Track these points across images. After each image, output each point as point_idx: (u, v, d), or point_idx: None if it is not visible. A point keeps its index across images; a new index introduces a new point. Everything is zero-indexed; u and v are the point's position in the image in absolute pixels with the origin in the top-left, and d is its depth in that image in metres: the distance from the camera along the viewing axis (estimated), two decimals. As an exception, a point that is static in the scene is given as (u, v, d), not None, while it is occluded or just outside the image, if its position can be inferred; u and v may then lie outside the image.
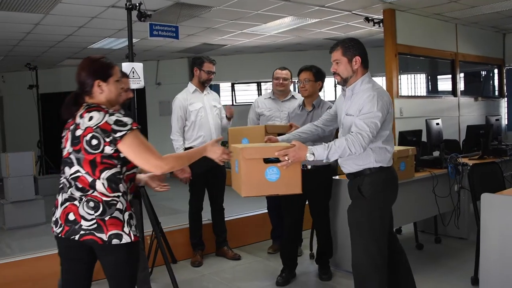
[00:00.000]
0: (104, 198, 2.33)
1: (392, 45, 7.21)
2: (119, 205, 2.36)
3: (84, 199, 2.33)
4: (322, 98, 4.33)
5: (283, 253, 4.36)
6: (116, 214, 2.34)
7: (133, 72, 4.21)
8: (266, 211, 5.21)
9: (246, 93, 12.68)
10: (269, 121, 4.90)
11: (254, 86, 12.59)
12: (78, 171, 2.35)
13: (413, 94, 8.51)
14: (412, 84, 8.79)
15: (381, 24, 7.55)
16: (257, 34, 8.96)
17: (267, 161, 2.88)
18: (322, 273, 4.32)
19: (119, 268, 2.41)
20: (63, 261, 2.52)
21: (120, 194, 2.37)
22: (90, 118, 2.33)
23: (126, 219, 2.37)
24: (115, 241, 2.32)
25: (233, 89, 12.47)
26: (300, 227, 4.40)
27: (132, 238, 2.36)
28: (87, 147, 2.32)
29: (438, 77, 9.42)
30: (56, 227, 2.39)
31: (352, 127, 2.96)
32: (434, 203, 4.73)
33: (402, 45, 7.31)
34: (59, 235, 2.37)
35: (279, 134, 3.68)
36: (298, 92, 4.93)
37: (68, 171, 2.39)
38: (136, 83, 4.24)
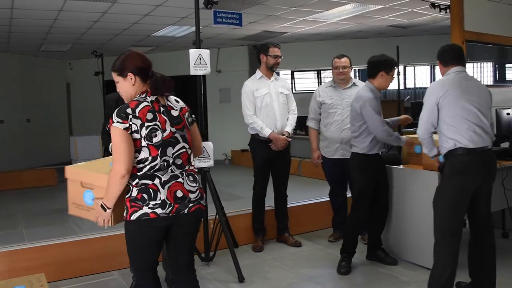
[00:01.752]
0: (196, 170, 2.74)
1: (459, 32, 6.94)
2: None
3: (184, 174, 2.58)
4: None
5: (348, 241, 4.31)
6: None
7: (200, 58, 4.27)
8: (327, 199, 5.19)
9: (306, 81, 12.63)
10: (330, 109, 4.87)
11: (313, 74, 12.52)
12: (183, 147, 2.61)
13: (479, 83, 8.18)
14: (478, 73, 8.47)
15: (447, 10, 7.31)
16: (318, 21, 8.88)
17: None
18: (385, 258, 4.32)
19: (198, 226, 2.76)
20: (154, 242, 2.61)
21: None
22: (177, 101, 2.69)
23: None
24: (203, 204, 2.72)
25: (292, 77, 12.44)
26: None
27: None
28: (188, 124, 2.69)
29: (507, 65, 9.02)
30: (163, 209, 2.47)
31: None
32: (503, 195, 4.54)
33: (469, 32, 7.03)
34: (169, 215, 2.48)
35: None
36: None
37: (171, 150, 2.54)
38: (202, 70, 4.30)
